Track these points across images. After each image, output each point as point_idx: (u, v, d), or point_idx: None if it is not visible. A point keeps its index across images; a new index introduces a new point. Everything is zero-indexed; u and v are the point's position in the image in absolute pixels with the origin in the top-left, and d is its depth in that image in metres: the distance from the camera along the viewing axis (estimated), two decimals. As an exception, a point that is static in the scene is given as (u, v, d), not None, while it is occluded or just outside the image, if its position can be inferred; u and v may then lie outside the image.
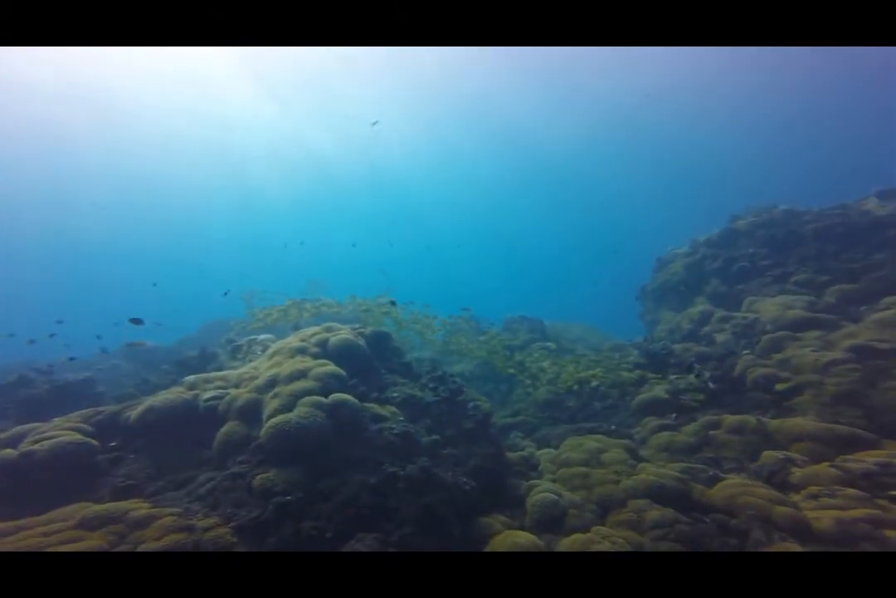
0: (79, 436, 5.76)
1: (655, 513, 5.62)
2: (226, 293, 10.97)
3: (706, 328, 14.15)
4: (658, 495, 6.00)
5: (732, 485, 6.32)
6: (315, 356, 7.44)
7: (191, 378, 7.22)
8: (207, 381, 7.08)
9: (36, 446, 5.40)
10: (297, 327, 12.93)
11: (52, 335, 15.82)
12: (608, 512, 5.98)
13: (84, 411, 6.69)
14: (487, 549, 5.29)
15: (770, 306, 12.49)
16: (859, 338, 9.80)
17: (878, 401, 8.00)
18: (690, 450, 8.29)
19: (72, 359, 15.18)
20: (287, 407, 6.00)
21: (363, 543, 4.91)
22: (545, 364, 13.28)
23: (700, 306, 15.38)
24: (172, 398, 6.45)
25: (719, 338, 13.11)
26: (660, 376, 11.49)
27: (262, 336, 11.25)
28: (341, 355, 7.63)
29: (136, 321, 8.19)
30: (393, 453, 6.09)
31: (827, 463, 6.50)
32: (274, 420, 5.71)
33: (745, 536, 5.48)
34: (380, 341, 8.82)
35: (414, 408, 7.36)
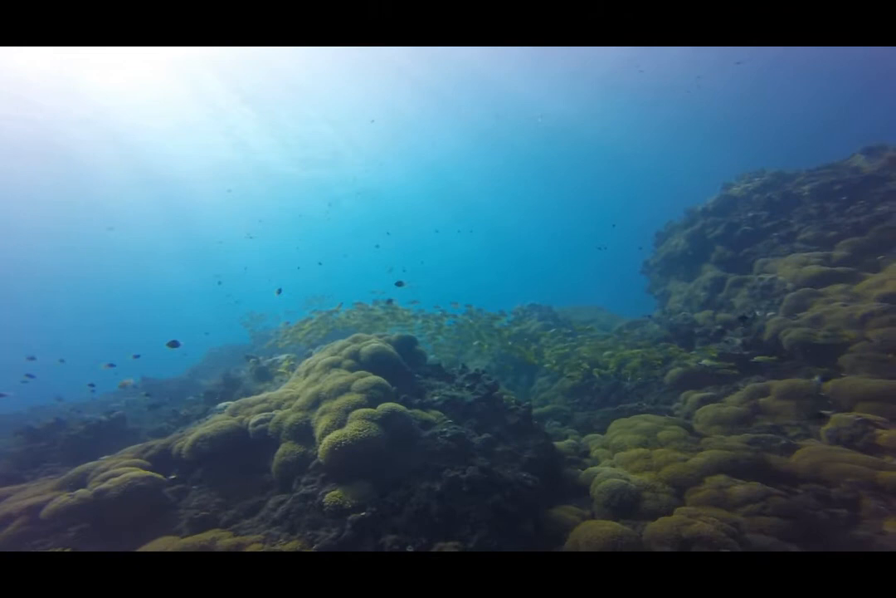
0: (143, 471, 5.72)
1: (740, 488, 5.42)
2: (279, 291, 10.79)
3: (721, 294, 14.16)
4: (733, 469, 5.84)
5: (814, 452, 6.09)
6: (350, 368, 7.34)
7: (232, 404, 7.10)
8: (249, 405, 6.96)
9: (106, 485, 5.39)
10: (312, 345, 12.85)
11: (60, 360, 15.69)
12: (683, 492, 5.83)
13: (134, 447, 6.65)
14: (568, 543, 5.17)
15: (785, 266, 12.47)
16: (888, 287, 9.75)
17: None
18: (743, 420, 8.15)
19: (91, 385, 15.06)
20: (339, 423, 5.91)
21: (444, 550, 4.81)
22: (583, 349, 13.08)
23: (709, 273, 15.37)
24: (221, 426, 6.35)
25: (738, 302, 13.10)
26: (686, 348, 11.44)
27: (283, 356, 11.12)
28: (375, 364, 7.55)
29: (173, 344, 8.09)
30: (449, 456, 6.01)
31: None
32: (329, 438, 5.61)
33: (854, 505, 5.23)
34: (407, 346, 8.73)
35: (457, 409, 7.28)
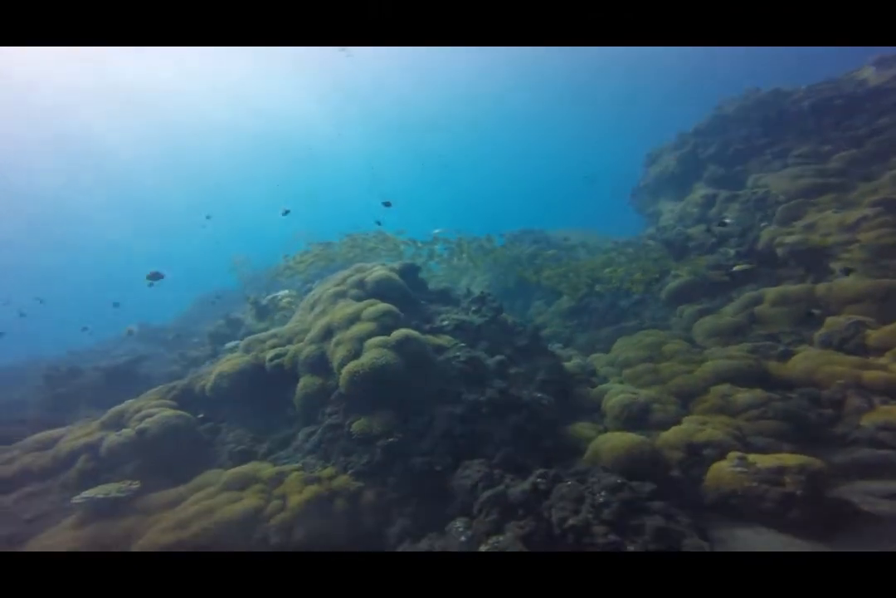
0: (173, 411, 5.93)
1: (745, 395, 5.69)
2: (286, 212, 10.39)
3: (713, 210, 14.07)
4: (736, 377, 6.11)
5: (808, 357, 6.34)
6: (356, 298, 7.22)
7: (243, 342, 7.00)
8: (260, 341, 6.91)
9: (144, 424, 5.64)
10: (309, 281, 12.56)
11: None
12: (689, 401, 6.11)
13: (157, 388, 6.78)
14: (589, 453, 5.37)
15: (778, 180, 12.35)
16: (881, 193, 9.73)
17: None
18: (739, 330, 8.37)
19: (84, 329, 14.95)
20: (355, 352, 5.89)
21: (473, 469, 5.01)
22: (581, 265, 13.06)
23: (701, 191, 15.19)
24: (237, 363, 6.35)
25: (730, 216, 13.04)
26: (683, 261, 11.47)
27: (282, 292, 10.90)
28: (381, 291, 7.42)
29: (155, 276, 7.84)
30: (466, 380, 6.12)
31: None
32: (348, 368, 5.61)
33: (840, 405, 5.55)
34: (410, 273, 8.58)
35: (467, 333, 7.30)
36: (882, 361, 5.97)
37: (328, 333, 6.41)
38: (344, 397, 5.74)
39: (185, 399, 6.60)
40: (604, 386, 7.09)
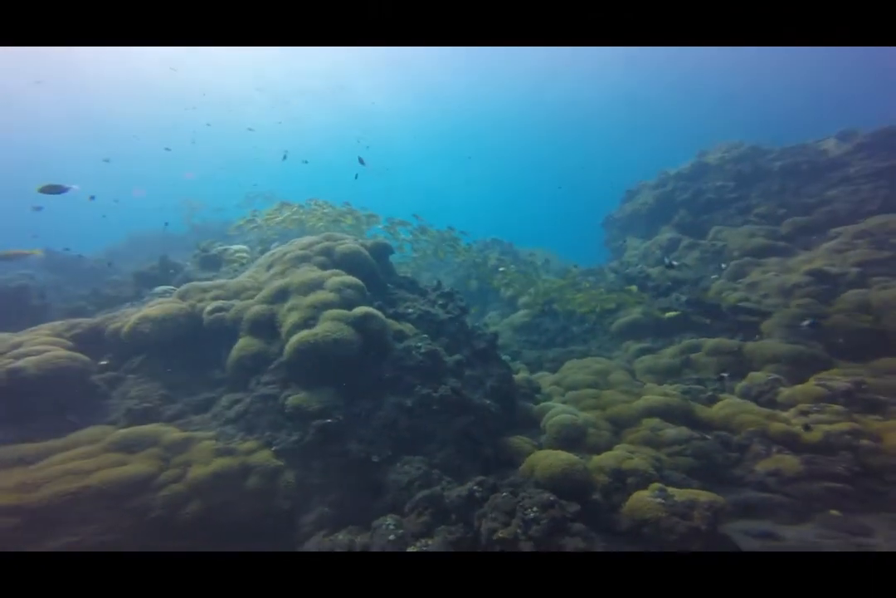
0: (66, 351, 4.87)
1: (671, 431, 5.98)
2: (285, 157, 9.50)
3: (674, 254, 14.61)
4: (666, 413, 6.40)
5: (729, 404, 6.81)
6: (321, 265, 6.71)
7: (181, 288, 6.28)
8: (202, 290, 6.20)
9: (21, 363, 4.49)
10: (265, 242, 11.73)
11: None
12: (622, 430, 6.23)
13: (53, 324, 5.68)
14: (524, 467, 5.25)
15: (735, 235, 13.08)
16: (815, 264, 10.46)
17: (831, 322, 8.63)
18: (673, 372, 8.77)
19: None
20: (309, 321, 5.40)
21: (412, 466, 4.74)
22: (546, 283, 13.15)
23: (667, 234, 15.77)
24: (168, 309, 5.59)
25: (689, 263, 13.61)
26: (640, 298, 11.81)
27: (236, 246, 10.08)
28: (349, 265, 6.93)
29: (53, 190, 6.38)
30: (422, 372, 5.79)
31: (810, 382, 7.09)
32: (299, 336, 5.12)
33: (744, 450, 6.01)
34: (381, 252, 8.11)
35: (430, 326, 6.98)
36: (786, 415, 6.57)
37: (283, 295, 5.87)
38: (285, 367, 5.23)
39: (88, 341, 5.61)
40: (547, 404, 7.05)
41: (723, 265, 11.96)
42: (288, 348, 5.14)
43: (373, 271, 7.35)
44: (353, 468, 4.69)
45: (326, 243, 7.28)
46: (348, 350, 5.25)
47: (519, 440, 5.97)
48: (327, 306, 5.57)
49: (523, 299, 15.14)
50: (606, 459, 5.34)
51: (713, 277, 11.80)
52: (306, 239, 7.72)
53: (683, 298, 10.90)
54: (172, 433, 4.38)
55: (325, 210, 11.16)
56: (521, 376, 8.63)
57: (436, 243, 13.26)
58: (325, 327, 5.22)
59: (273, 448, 4.58)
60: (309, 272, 6.20)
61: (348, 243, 7.24)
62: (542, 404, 7.06)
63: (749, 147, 16.67)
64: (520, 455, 5.63)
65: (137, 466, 3.96)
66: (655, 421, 6.19)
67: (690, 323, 10.33)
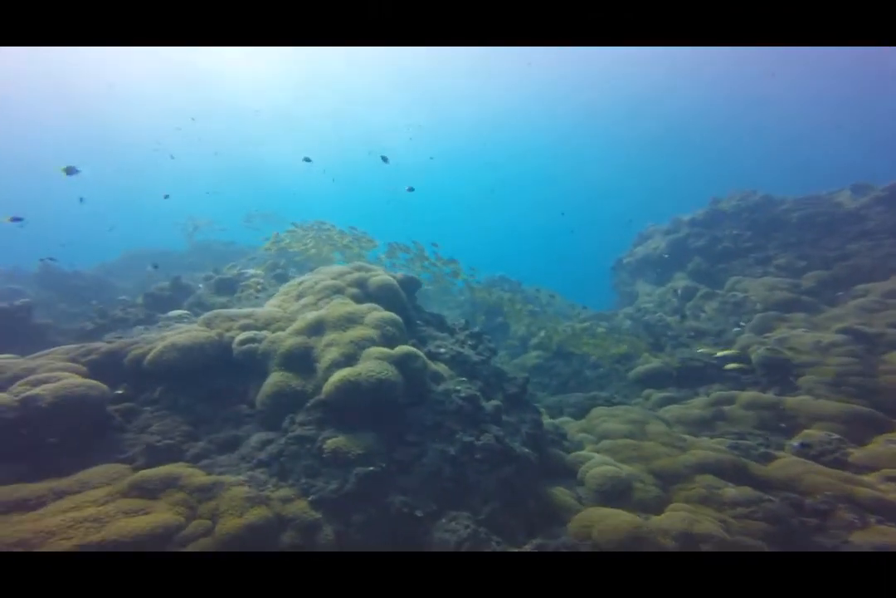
0: (83, 379, 4.41)
1: (733, 490, 5.49)
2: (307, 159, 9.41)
3: (689, 303, 14.48)
4: (719, 470, 5.93)
5: (791, 463, 6.30)
6: (355, 298, 6.40)
7: (207, 314, 5.90)
8: (229, 318, 5.82)
9: (37, 391, 4.02)
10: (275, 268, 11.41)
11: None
12: (670, 486, 5.78)
13: (67, 347, 5.23)
14: (576, 527, 4.81)
15: (758, 287, 12.92)
16: (846, 321, 10.30)
17: (877, 383, 8.37)
18: (704, 424, 8.36)
19: None
20: (350, 359, 5.04)
21: (458, 522, 4.31)
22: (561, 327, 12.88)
23: (682, 282, 15.71)
24: (196, 337, 5.19)
25: (708, 313, 13.44)
26: (658, 347, 11.58)
27: (252, 270, 9.78)
28: (383, 298, 6.62)
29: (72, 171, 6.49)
30: (462, 418, 5.39)
31: (876, 442, 6.66)
32: (340, 375, 4.74)
33: (824, 516, 5.42)
34: (411, 287, 7.85)
35: (463, 367, 6.62)
36: (868, 479, 6.00)
37: (319, 328, 5.51)
38: (322, 407, 4.81)
39: (104, 367, 5.11)
40: (581, 453, 6.63)
41: (741, 323, 11.77)
42: (327, 386, 4.75)
43: (404, 307, 7.06)
44: (396, 523, 4.22)
45: (358, 274, 7.00)
46: (391, 391, 4.87)
47: (559, 493, 5.55)
48: (368, 343, 5.23)
49: (535, 341, 14.87)
50: (672, 521, 4.87)
51: (735, 329, 11.61)
52: (336, 268, 7.45)
53: (706, 349, 10.66)
54: (199, 477, 3.88)
55: (331, 234, 10.88)
56: (547, 421, 8.20)
57: (437, 273, 12.82)
58: (368, 365, 4.85)
59: (310, 498, 4.10)
60: (345, 305, 5.88)
61: (381, 276, 6.97)
62: (575, 453, 6.64)
63: (762, 196, 16.90)
64: (564, 510, 5.23)
65: (161, 515, 3.44)
66: (710, 478, 5.72)
67: (715, 374, 10.05)
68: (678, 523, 4.78)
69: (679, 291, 14.90)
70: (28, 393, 3.99)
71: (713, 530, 4.70)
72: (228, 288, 9.53)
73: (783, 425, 7.70)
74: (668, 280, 16.79)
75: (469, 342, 7.48)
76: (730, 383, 9.90)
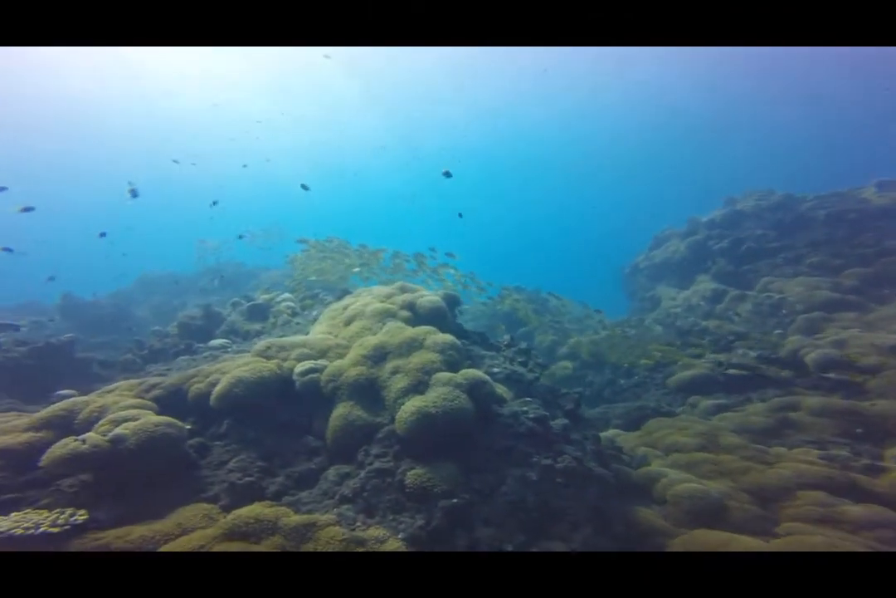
0: (160, 417, 4.28)
1: (857, 509, 4.96)
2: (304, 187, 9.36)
3: (720, 306, 14.22)
4: (824, 486, 5.49)
5: None
6: (407, 321, 6.25)
7: (261, 345, 5.75)
8: (283, 348, 5.67)
9: (122, 430, 3.89)
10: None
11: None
12: (769, 504, 5.42)
13: (130, 382, 5.12)
14: (682, 549, 4.53)
15: (795, 287, 12.63)
16: None
17: None
18: (771, 432, 7.99)
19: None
20: (417, 386, 4.87)
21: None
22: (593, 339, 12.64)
23: (707, 284, 15.46)
24: (259, 370, 5.04)
25: (742, 316, 13.16)
26: (699, 352, 11.29)
27: (284, 295, 9.65)
28: (433, 320, 6.47)
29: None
30: (534, 441, 5.17)
31: None
32: (413, 405, 4.59)
33: None
34: (452, 305, 7.69)
35: (519, 386, 6.42)
36: None
37: (381, 355, 5.35)
38: (397, 439, 4.63)
39: (167, 402, 5.02)
40: (652, 469, 6.36)
41: (786, 318, 11.50)
42: (401, 416, 4.57)
43: (451, 326, 6.90)
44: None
45: (405, 296, 6.86)
46: (466, 419, 4.70)
47: (645, 514, 5.29)
48: (435, 368, 5.05)
49: (564, 350, 14.64)
50: (810, 546, 4.26)
51: (776, 331, 11.33)
52: (379, 289, 7.33)
53: (752, 353, 10.39)
54: (291, 517, 3.72)
55: (347, 253, 10.69)
56: (604, 434, 7.95)
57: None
58: (440, 393, 4.68)
59: (400, 536, 3.90)
60: (403, 330, 5.73)
61: (429, 297, 6.82)
62: (644, 469, 6.37)
63: (783, 195, 16.72)
64: (656, 534, 4.97)
65: None
66: (819, 495, 5.28)
67: (764, 380, 9.75)
68: (822, 548, 4.19)
69: (707, 295, 14.66)
70: (116, 432, 3.86)
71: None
72: (261, 314, 9.41)
73: (859, 430, 7.31)
74: (689, 283, 16.55)
75: (518, 359, 7.29)
76: (783, 389, 9.56)
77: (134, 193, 6.53)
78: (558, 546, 4.21)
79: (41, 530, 3.24)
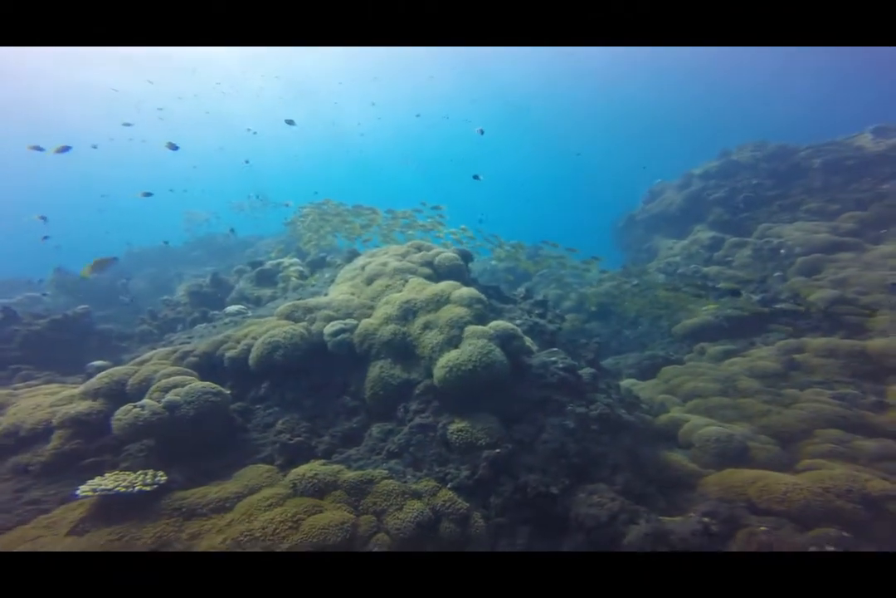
0: (207, 383, 4.28)
1: (871, 443, 5.21)
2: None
3: (718, 253, 14.31)
4: (839, 424, 5.72)
5: None
6: (427, 278, 6.20)
7: (284, 307, 5.68)
8: (308, 310, 5.61)
9: (171, 396, 3.92)
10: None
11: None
12: (789, 444, 5.65)
13: (163, 351, 5.10)
14: (709, 490, 4.69)
15: (794, 231, 12.70)
16: None
17: None
18: (779, 376, 8.20)
19: None
20: (451, 341, 4.86)
21: (602, 496, 4.19)
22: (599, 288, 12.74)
23: (705, 233, 15.48)
24: (290, 332, 4.99)
25: (738, 262, 13.29)
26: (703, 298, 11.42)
27: (289, 259, 9.48)
28: (453, 276, 6.44)
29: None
30: (566, 390, 5.27)
31: None
32: (448, 359, 4.61)
33: None
34: (466, 261, 7.61)
35: (542, 338, 6.49)
36: None
37: (409, 312, 5.31)
38: (435, 394, 4.69)
39: (202, 368, 5.05)
40: (673, 415, 6.55)
41: (785, 261, 11.62)
42: (438, 371, 4.60)
43: (468, 281, 6.86)
44: (534, 503, 4.14)
45: (422, 254, 6.79)
46: (502, 371, 4.74)
47: (674, 457, 5.49)
48: (465, 322, 5.03)
49: (568, 304, 14.75)
50: (836, 479, 4.34)
51: (776, 274, 11.47)
52: (393, 248, 7.21)
53: (754, 297, 10.54)
54: (347, 473, 3.82)
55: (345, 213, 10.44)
56: (623, 383, 8.13)
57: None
58: (475, 346, 4.69)
59: (448, 486, 4.01)
60: (425, 286, 5.68)
61: (446, 253, 6.75)
62: (667, 416, 6.57)
63: (777, 145, 16.58)
64: (686, 475, 5.15)
65: (335, 513, 3.43)
66: (837, 433, 5.49)
67: (767, 323, 9.94)
68: (844, 481, 4.27)
69: (706, 243, 14.70)
70: (168, 398, 3.89)
71: (889, 488, 4.19)
72: (268, 279, 9.26)
73: (867, 368, 7.53)
74: (687, 234, 16.57)
75: (536, 311, 7.32)
76: (787, 331, 9.75)
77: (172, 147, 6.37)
78: (606, 489, 4.34)
79: (136, 488, 3.43)
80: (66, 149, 7.60)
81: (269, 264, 9.16)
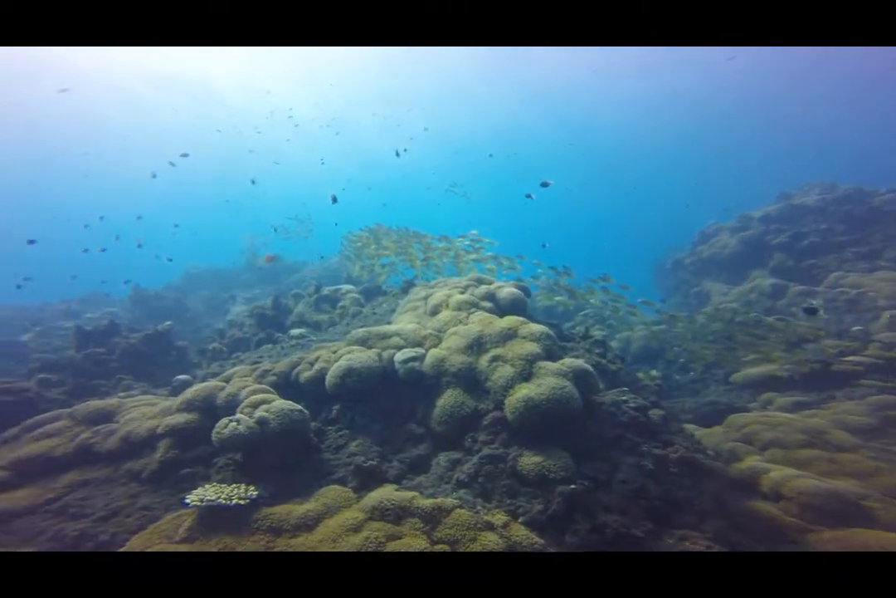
0: (290, 402, 4.44)
1: None
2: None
3: (781, 301, 13.77)
4: None
5: None
6: (490, 312, 6.24)
7: (358, 333, 5.83)
8: (380, 337, 5.73)
9: (261, 412, 4.09)
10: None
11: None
12: None
13: (243, 368, 5.38)
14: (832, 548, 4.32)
15: (877, 282, 12.09)
16: None
17: None
18: (873, 431, 7.64)
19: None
20: (523, 375, 4.83)
21: (692, 541, 3.97)
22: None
23: (765, 280, 14.96)
24: (364, 359, 5.13)
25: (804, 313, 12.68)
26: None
27: (346, 286, 9.79)
28: (514, 310, 6.49)
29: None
30: (639, 430, 5.11)
31: None
32: (523, 393, 4.61)
33: None
34: (527, 295, 7.63)
35: (605, 377, 6.34)
36: None
37: (478, 344, 5.35)
38: (505, 426, 4.64)
39: (281, 388, 5.29)
40: (752, 464, 6.15)
41: (866, 314, 11.01)
42: (511, 403, 4.58)
43: (530, 317, 6.86)
44: (611, 546, 3.93)
45: (484, 287, 6.88)
46: (574, 406, 4.66)
47: (764, 507, 5.11)
48: (536, 357, 5.02)
49: (613, 344, 14.40)
50: None
51: (855, 328, 10.86)
52: (453, 281, 7.37)
53: (832, 350, 9.99)
54: (421, 501, 3.79)
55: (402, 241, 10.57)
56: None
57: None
58: (549, 382, 4.66)
59: (520, 521, 3.89)
60: (491, 320, 5.73)
61: (507, 288, 6.83)
62: (747, 465, 6.16)
63: (852, 187, 15.97)
64: (783, 528, 4.72)
65: (413, 540, 3.41)
66: None
67: (847, 376, 9.35)
68: None
69: (766, 290, 14.19)
70: (259, 415, 4.07)
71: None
72: (327, 305, 9.56)
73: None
74: (741, 279, 16.06)
75: (596, 350, 7.19)
76: (875, 387, 9.12)
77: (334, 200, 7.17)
78: (695, 536, 4.09)
79: (234, 501, 3.57)
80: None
81: (326, 291, 9.49)
